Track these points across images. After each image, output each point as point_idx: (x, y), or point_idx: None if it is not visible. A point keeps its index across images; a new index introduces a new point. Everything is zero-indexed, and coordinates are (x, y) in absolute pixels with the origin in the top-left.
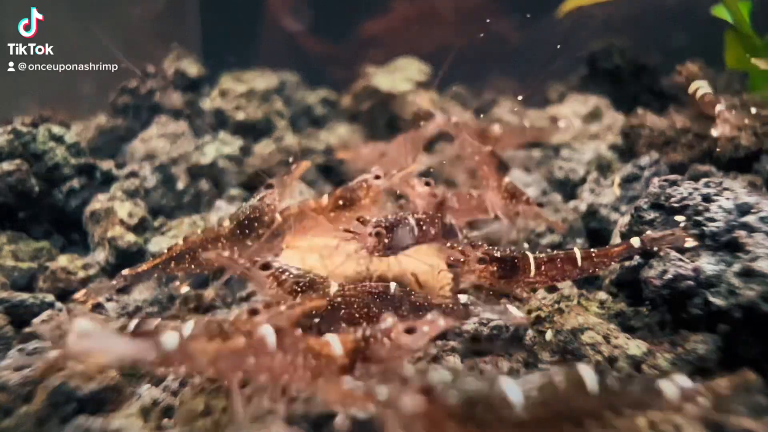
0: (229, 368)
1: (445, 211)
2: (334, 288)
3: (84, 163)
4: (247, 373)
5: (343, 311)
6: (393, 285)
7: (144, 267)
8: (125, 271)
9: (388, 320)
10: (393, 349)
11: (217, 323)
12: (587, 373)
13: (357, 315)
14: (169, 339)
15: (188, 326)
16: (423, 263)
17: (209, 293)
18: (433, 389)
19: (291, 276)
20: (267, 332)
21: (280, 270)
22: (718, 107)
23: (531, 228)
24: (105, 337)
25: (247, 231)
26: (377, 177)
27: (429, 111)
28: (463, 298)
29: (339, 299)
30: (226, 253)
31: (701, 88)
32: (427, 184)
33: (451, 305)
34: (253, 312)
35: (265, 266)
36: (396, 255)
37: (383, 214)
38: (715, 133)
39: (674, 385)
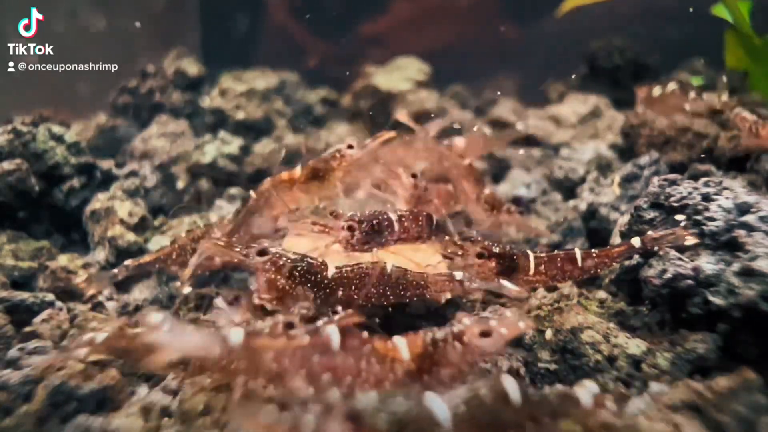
0: (293, 366)
1: (425, 204)
2: (331, 271)
3: (84, 163)
4: (310, 372)
5: (341, 293)
6: (390, 265)
7: (147, 258)
8: (128, 262)
9: (464, 321)
10: (466, 353)
11: (250, 331)
12: (510, 385)
13: (355, 297)
14: (235, 334)
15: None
16: (420, 262)
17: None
18: (360, 414)
19: (288, 261)
20: (332, 332)
21: (277, 255)
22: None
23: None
24: (175, 330)
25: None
26: (350, 147)
27: (409, 125)
28: (458, 274)
29: (336, 282)
30: (226, 240)
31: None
32: (414, 176)
33: (447, 281)
34: (290, 326)
35: (262, 252)
36: (375, 250)
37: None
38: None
39: (588, 391)
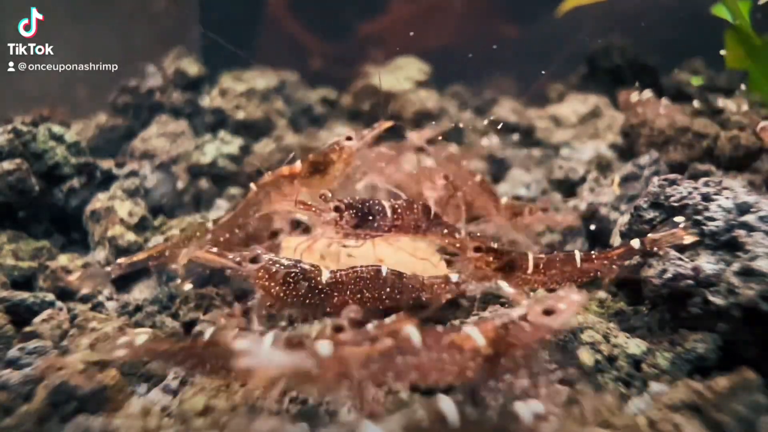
0: (381, 369)
1: (454, 207)
2: (325, 276)
3: (84, 163)
4: (398, 374)
5: (336, 298)
6: (384, 268)
7: (140, 256)
8: (121, 260)
9: (523, 304)
10: (535, 332)
11: (298, 340)
12: (447, 406)
13: (351, 301)
14: (324, 346)
15: (267, 340)
16: (419, 255)
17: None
18: None
19: (281, 268)
20: (411, 332)
21: (270, 262)
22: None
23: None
24: (265, 353)
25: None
26: (349, 138)
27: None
28: (453, 276)
29: (331, 287)
30: (215, 249)
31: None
32: (446, 177)
33: (442, 284)
34: (338, 329)
35: (255, 259)
36: (367, 237)
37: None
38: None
39: (528, 408)
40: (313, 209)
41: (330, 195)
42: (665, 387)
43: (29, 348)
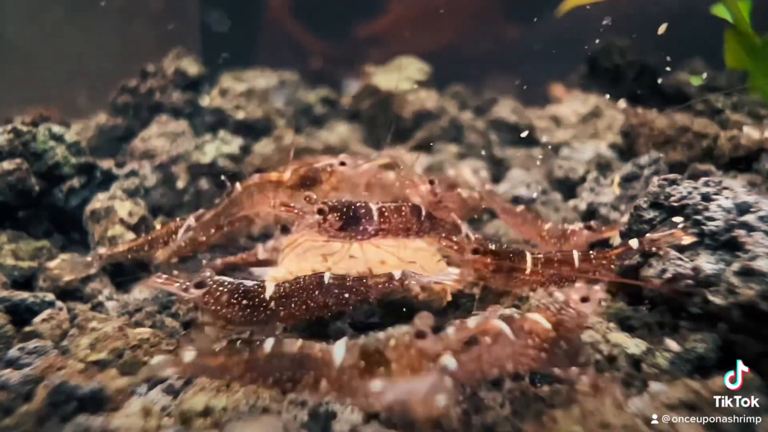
0: (488, 365)
1: (441, 210)
2: (270, 290)
3: (84, 162)
4: (500, 366)
5: (282, 312)
6: (327, 275)
7: (120, 248)
8: (102, 251)
9: (556, 295)
10: (578, 318)
11: (375, 348)
12: None
13: (297, 313)
14: (450, 362)
15: (340, 349)
16: (419, 256)
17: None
18: None
19: (225, 290)
20: (502, 326)
21: (215, 285)
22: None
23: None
24: (399, 387)
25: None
26: (342, 164)
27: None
28: (397, 274)
29: (276, 301)
30: (166, 277)
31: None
32: (431, 182)
33: (386, 282)
34: (420, 335)
35: (200, 284)
36: (353, 240)
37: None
38: None
39: None
40: (296, 211)
41: (315, 197)
42: (665, 387)
43: (29, 348)
